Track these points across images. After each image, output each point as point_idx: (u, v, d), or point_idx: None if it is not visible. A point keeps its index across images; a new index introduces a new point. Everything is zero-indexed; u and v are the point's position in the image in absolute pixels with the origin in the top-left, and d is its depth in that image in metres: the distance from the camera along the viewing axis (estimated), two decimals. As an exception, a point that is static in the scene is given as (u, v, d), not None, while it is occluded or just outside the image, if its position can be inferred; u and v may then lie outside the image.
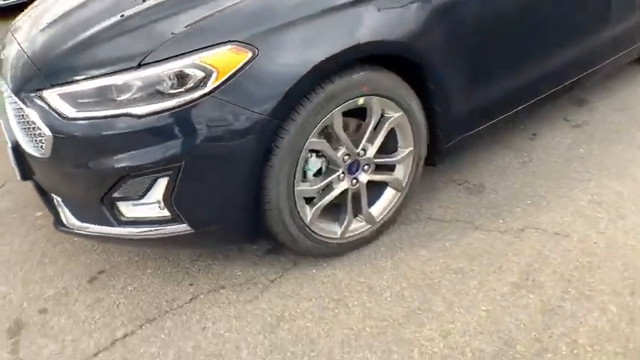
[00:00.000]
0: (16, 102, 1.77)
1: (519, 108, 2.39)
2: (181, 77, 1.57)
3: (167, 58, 1.56)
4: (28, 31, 1.97)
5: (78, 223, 1.82)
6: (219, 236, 1.82)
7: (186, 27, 1.59)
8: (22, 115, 1.77)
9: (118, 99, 1.59)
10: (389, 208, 2.10)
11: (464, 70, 2.08)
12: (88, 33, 1.68)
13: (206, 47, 1.57)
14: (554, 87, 2.50)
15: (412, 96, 1.97)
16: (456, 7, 1.95)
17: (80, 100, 1.62)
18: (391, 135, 2.03)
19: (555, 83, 2.50)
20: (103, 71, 1.59)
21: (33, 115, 1.69)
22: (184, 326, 1.82)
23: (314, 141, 1.78)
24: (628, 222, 2.11)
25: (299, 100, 1.68)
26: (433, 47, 1.92)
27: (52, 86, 1.65)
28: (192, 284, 2.00)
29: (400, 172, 2.09)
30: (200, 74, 1.57)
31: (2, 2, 5.68)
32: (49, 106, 1.65)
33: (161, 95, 1.58)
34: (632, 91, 3.12)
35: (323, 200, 1.92)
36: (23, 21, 2.12)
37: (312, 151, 1.85)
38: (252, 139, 1.63)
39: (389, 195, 2.11)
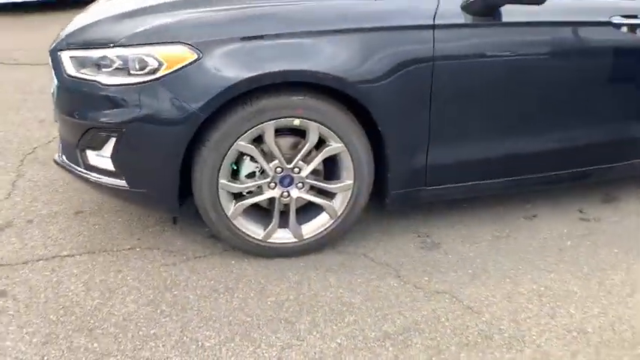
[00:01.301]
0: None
1: (495, 180, 2.34)
2: (142, 62, 1.94)
3: (132, 45, 1.95)
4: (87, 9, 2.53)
5: (65, 160, 2.30)
6: (148, 200, 2.16)
7: (154, 25, 1.97)
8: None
9: (103, 69, 2.02)
10: (319, 230, 2.24)
11: (423, 125, 2.14)
12: (101, 16, 2.15)
13: (163, 43, 1.93)
14: (547, 170, 2.38)
15: (357, 133, 2.10)
16: (420, 66, 2.05)
17: (79, 63, 2.08)
18: (338, 163, 2.18)
19: (549, 167, 2.38)
20: (94, 45, 2.04)
21: (54, 68, 2.20)
22: (108, 264, 2.19)
23: (243, 144, 2.02)
24: (553, 322, 1.94)
25: (229, 105, 1.94)
26: (384, 94, 2.03)
27: (68, 49, 2.14)
28: (139, 239, 2.36)
29: (338, 202, 2.21)
30: (154, 63, 1.93)
31: None
32: (62, 63, 2.14)
33: (127, 73, 1.97)
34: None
35: (248, 200, 2.14)
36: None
37: (247, 154, 2.09)
38: (181, 126, 1.94)
39: (323, 219, 2.24)
